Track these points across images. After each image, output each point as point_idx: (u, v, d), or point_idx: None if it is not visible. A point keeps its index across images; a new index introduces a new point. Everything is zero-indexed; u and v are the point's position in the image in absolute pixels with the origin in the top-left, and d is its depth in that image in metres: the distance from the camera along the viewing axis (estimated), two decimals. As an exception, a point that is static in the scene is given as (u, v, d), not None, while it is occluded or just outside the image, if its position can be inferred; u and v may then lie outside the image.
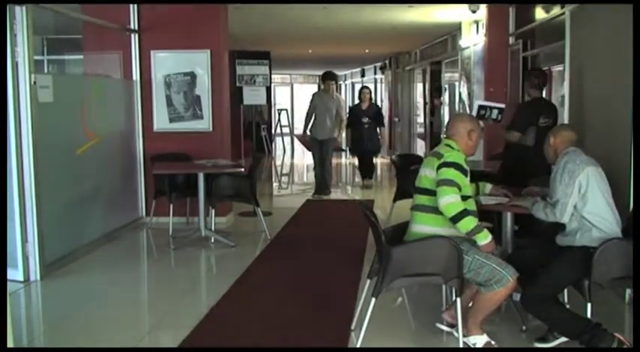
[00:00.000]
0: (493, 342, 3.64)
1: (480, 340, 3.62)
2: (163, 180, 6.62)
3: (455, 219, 3.47)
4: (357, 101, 10.76)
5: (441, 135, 12.16)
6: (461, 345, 3.54)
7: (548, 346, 3.68)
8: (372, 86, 18.04)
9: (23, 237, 4.99)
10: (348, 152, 14.42)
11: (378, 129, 10.52)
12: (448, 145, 3.68)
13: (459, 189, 3.52)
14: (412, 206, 3.73)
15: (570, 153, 3.69)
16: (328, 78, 9.33)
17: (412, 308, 4.47)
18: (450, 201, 3.46)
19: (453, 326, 3.69)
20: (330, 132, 9.21)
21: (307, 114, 9.39)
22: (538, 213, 3.70)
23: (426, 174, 3.62)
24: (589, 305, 3.49)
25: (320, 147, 9.24)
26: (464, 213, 3.47)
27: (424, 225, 3.62)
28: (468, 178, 3.64)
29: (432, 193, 3.58)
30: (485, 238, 3.51)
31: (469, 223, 3.47)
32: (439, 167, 3.55)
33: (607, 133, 4.72)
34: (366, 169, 10.61)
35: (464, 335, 3.58)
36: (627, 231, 3.59)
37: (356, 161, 11.48)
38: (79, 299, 4.65)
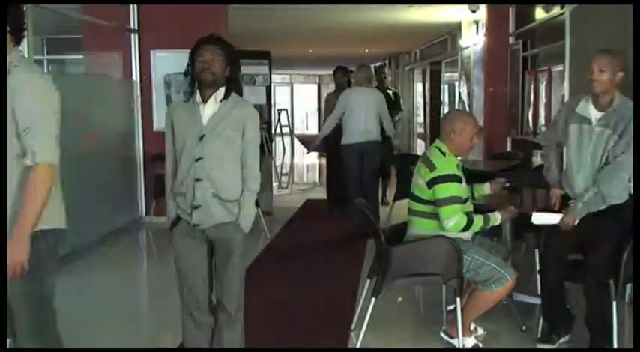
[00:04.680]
0: (480, 344, 3.64)
1: (468, 341, 3.61)
2: (163, 180, 6.60)
3: (465, 230, 3.48)
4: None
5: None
6: (461, 345, 3.54)
7: (553, 347, 3.65)
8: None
9: (23, 236, 4.98)
10: None
11: None
12: (438, 148, 3.58)
13: (460, 199, 3.48)
14: (409, 210, 3.71)
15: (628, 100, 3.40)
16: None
17: (412, 308, 4.47)
18: (454, 222, 3.43)
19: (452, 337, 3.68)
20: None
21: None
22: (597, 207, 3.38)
23: (419, 183, 3.56)
24: (614, 303, 3.40)
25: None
26: (470, 221, 3.47)
27: (422, 231, 3.59)
28: (464, 182, 3.59)
29: (425, 202, 3.54)
30: (497, 220, 3.55)
31: (478, 223, 3.49)
32: (433, 182, 3.47)
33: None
34: None
35: (454, 337, 3.59)
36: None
37: None
38: (79, 300, 4.64)
